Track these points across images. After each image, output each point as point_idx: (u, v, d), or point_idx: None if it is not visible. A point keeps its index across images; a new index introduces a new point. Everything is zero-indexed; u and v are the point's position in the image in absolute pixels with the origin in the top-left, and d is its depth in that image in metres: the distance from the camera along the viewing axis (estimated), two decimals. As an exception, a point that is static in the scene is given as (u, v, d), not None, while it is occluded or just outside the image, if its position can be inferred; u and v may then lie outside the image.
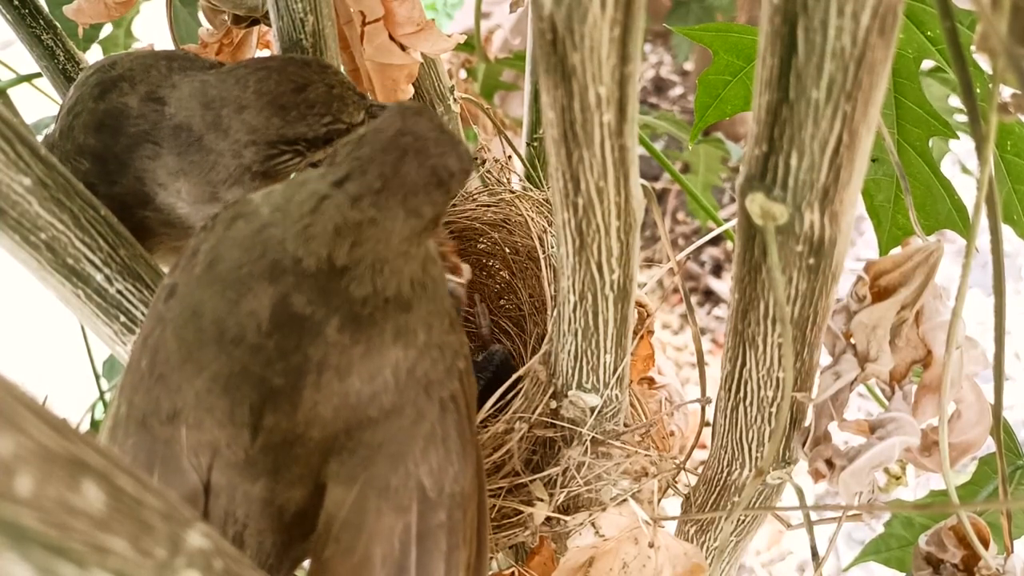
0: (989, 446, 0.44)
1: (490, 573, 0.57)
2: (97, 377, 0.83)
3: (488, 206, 0.66)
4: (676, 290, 1.99)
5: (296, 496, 0.38)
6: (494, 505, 0.50)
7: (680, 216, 2.16)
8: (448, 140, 0.37)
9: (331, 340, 0.37)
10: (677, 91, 2.46)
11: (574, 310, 0.42)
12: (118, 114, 0.50)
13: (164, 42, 0.65)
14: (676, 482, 0.53)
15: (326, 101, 0.48)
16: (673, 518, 0.51)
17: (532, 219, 0.61)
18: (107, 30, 0.89)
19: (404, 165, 0.36)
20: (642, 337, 0.56)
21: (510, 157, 0.69)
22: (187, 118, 0.49)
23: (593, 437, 0.49)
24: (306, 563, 0.40)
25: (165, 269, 0.49)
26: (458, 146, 0.37)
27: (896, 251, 0.41)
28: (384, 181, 0.35)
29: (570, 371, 0.46)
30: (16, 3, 0.62)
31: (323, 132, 0.48)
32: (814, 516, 0.51)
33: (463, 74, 1.12)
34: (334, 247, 0.36)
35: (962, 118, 0.81)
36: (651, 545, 0.47)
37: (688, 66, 2.42)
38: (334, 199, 0.36)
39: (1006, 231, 0.47)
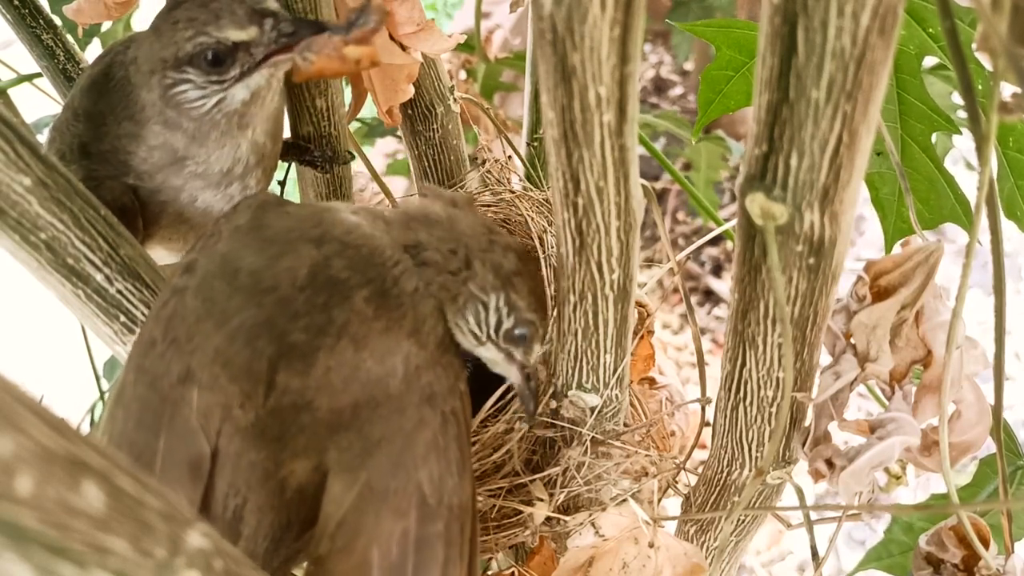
0: (989, 446, 0.44)
1: (490, 573, 0.57)
2: (97, 377, 0.83)
3: (489, 206, 0.66)
4: (676, 290, 1.99)
5: (298, 470, 0.38)
6: (494, 505, 0.50)
7: (680, 216, 2.16)
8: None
9: (356, 307, 0.39)
10: (677, 91, 2.46)
11: (574, 310, 0.42)
12: (105, 74, 0.52)
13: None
14: (676, 482, 0.53)
15: (190, 17, 0.46)
16: (673, 518, 0.51)
17: (532, 219, 0.61)
18: (107, 24, 0.89)
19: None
20: (642, 337, 0.56)
21: (510, 157, 0.69)
22: (126, 78, 0.50)
23: (593, 437, 0.49)
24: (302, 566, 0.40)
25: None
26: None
27: (896, 251, 0.41)
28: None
29: (570, 371, 0.46)
30: (16, 3, 0.62)
31: (190, 48, 0.46)
32: (814, 516, 0.51)
33: (463, 75, 1.12)
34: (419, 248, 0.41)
35: (965, 115, 0.81)
36: (651, 545, 0.47)
37: (688, 66, 2.42)
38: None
39: (1007, 229, 0.47)
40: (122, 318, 0.47)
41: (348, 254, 0.39)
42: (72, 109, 0.53)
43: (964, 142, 0.63)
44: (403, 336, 0.39)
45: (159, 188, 0.51)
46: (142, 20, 0.91)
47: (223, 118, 0.49)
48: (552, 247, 0.58)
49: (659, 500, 0.51)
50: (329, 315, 0.38)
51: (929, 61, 0.58)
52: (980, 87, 0.53)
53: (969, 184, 0.48)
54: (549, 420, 0.49)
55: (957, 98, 0.81)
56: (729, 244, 1.95)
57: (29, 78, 0.70)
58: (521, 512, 0.50)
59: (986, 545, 0.43)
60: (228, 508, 0.38)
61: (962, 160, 1.24)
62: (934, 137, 0.58)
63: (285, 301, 0.38)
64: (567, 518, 0.49)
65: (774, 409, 0.41)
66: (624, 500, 0.49)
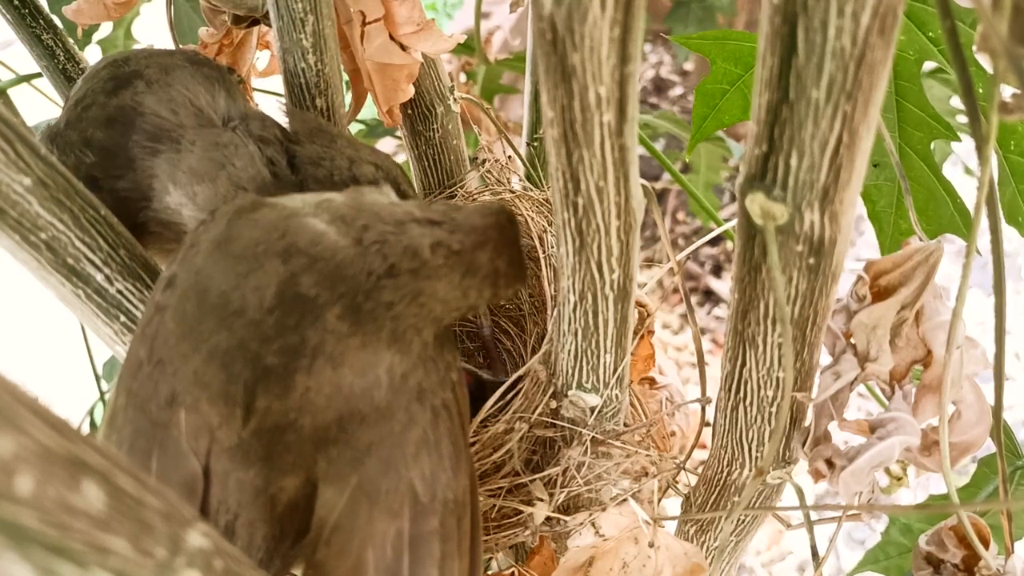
0: (989, 447, 0.44)
1: (490, 573, 0.57)
2: (97, 377, 0.83)
3: (488, 206, 0.66)
4: (676, 290, 1.99)
5: (288, 486, 0.38)
6: (494, 505, 0.50)
7: (680, 216, 2.16)
8: (522, 255, 0.42)
9: (329, 326, 0.37)
10: (677, 91, 2.46)
11: (574, 310, 0.42)
12: (131, 111, 0.50)
13: (164, 43, 0.65)
14: (676, 482, 0.53)
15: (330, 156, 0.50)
16: (673, 518, 0.51)
17: (532, 219, 0.61)
18: (107, 29, 0.89)
19: (483, 249, 0.40)
20: (642, 337, 0.56)
21: (510, 157, 0.69)
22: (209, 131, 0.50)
23: (593, 437, 0.49)
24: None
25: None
26: (525, 268, 0.44)
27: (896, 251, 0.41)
28: (464, 244, 0.39)
29: (570, 371, 0.46)
30: (16, 3, 0.62)
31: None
32: (814, 516, 0.51)
33: (463, 77, 1.12)
34: (395, 259, 0.38)
35: (965, 119, 0.81)
36: (651, 545, 0.47)
37: (688, 66, 2.43)
38: (418, 227, 0.38)
39: (1006, 231, 0.47)
40: (122, 318, 0.47)
41: (317, 268, 0.37)
42: (81, 133, 0.51)
43: (962, 145, 0.64)
44: (382, 348, 0.38)
45: (172, 218, 0.51)
46: (142, 29, 0.92)
47: None
48: (552, 247, 0.58)
49: (659, 500, 0.51)
50: (302, 336, 0.37)
51: (927, 65, 0.58)
52: (980, 90, 0.53)
53: (968, 189, 0.48)
54: (549, 420, 0.49)
55: (956, 102, 0.82)
56: (729, 244, 1.95)
57: (29, 78, 0.70)
58: (521, 512, 0.50)
59: (986, 545, 0.43)
60: (219, 525, 0.38)
61: (961, 164, 1.24)
62: (932, 144, 0.57)
63: (255, 324, 0.37)
64: (567, 518, 0.49)
65: (774, 409, 0.41)
66: (624, 500, 0.49)
